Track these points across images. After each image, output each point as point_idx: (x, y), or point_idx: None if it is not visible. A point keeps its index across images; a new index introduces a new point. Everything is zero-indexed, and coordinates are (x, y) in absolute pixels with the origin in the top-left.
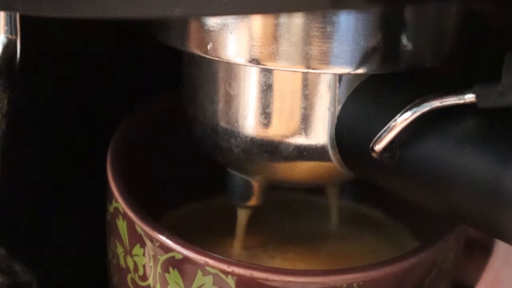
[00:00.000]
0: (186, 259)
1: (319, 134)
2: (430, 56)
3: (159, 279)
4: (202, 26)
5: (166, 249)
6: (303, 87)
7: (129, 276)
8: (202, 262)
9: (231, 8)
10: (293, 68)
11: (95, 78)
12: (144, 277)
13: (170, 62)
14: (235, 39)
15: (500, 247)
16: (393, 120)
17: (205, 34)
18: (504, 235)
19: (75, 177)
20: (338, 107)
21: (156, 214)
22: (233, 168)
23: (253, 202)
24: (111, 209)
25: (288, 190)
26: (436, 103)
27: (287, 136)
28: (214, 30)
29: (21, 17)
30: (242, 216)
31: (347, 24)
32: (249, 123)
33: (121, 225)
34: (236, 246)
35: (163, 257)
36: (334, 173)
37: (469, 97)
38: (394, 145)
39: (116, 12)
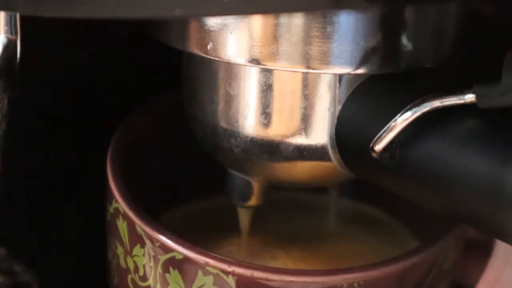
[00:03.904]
0: (186, 259)
1: (319, 134)
2: (430, 56)
3: (159, 279)
4: (202, 26)
5: (166, 249)
6: (303, 87)
7: (129, 277)
8: (203, 262)
9: (231, 8)
10: (293, 68)
11: (95, 78)
12: (144, 278)
13: (170, 62)
14: (235, 39)
15: (501, 247)
16: (393, 120)
17: (205, 34)
18: (504, 235)
19: (75, 178)
20: (338, 107)
21: (156, 214)
22: (233, 168)
23: (253, 202)
24: (111, 209)
25: (288, 190)
26: (436, 103)
27: (287, 136)
28: (214, 30)
29: (21, 17)
30: (244, 216)
31: (347, 24)
32: (249, 123)
33: (121, 225)
34: (244, 246)
35: (163, 258)
36: (334, 173)
37: (469, 97)
38: (394, 145)
39: (116, 12)
